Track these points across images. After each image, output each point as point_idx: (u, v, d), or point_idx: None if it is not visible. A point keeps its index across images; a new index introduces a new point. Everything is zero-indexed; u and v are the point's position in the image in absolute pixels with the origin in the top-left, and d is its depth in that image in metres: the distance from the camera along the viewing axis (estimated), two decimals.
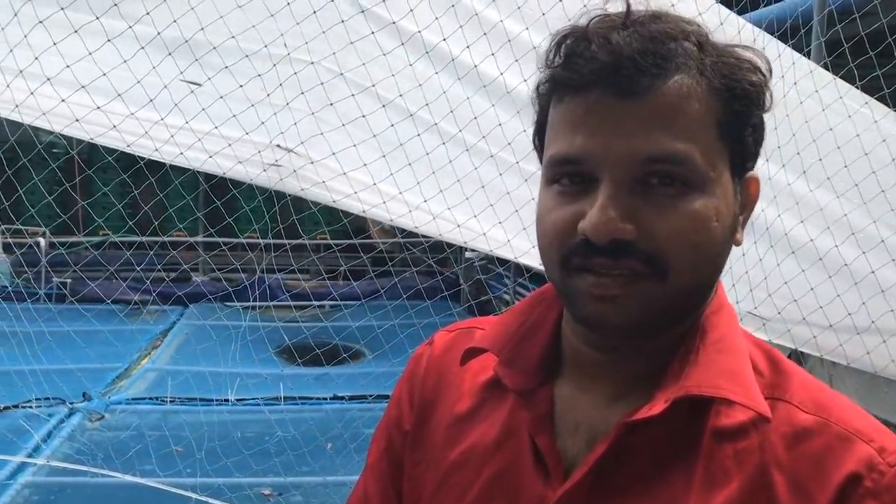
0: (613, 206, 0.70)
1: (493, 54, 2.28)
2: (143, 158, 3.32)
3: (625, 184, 0.70)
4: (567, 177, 0.73)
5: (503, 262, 7.27)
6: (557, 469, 0.76)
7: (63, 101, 2.69)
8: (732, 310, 0.81)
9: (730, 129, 0.73)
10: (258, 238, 8.31)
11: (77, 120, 2.85)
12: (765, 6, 3.00)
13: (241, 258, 8.14)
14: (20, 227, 9.02)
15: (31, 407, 5.29)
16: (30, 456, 4.55)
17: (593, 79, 0.70)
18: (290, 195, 3.41)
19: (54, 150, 9.83)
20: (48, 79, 2.38)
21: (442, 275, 7.09)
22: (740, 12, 2.78)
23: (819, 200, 2.66)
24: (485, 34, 2.27)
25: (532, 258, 3.10)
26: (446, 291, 7.42)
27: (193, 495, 3.83)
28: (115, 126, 2.78)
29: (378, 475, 0.92)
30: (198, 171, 3.76)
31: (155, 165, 3.69)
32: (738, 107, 0.73)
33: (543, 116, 0.79)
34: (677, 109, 0.70)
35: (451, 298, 8.34)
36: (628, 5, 0.72)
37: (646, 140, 0.69)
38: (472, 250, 7.82)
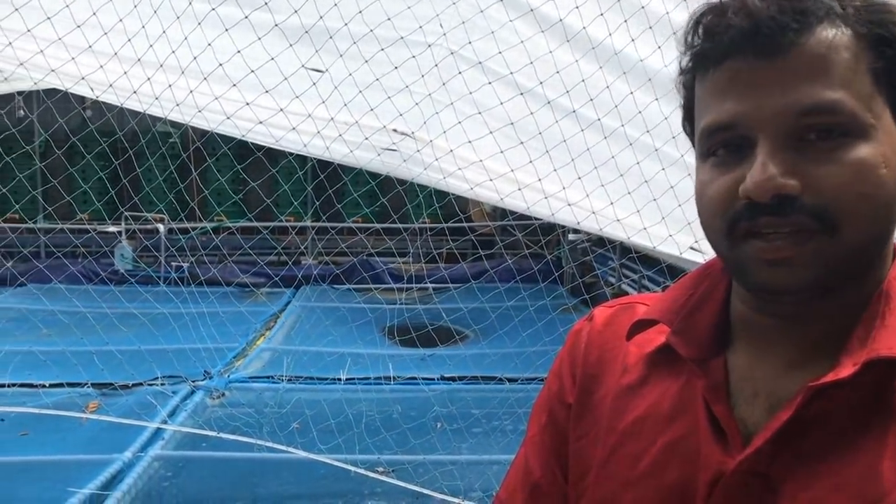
0: (774, 163, 0.69)
1: (633, 40, 2.24)
2: (260, 148, 3.44)
3: (783, 141, 0.69)
4: (722, 147, 0.73)
5: (608, 242, 7.20)
6: (736, 437, 0.75)
7: (191, 92, 2.82)
8: None
9: (886, 74, 0.71)
10: (362, 223, 8.46)
11: (200, 111, 2.98)
12: None
13: (347, 241, 8.33)
14: (142, 214, 9.48)
15: (157, 384, 5.58)
16: (157, 431, 4.80)
17: (734, 46, 0.70)
18: (399, 181, 3.47)
19: (170, 140, 10.26)
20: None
21: (545, 257, 7.06)
22: None
23: None
24: (625, 21, 2.23)
25: (644, 237, 3.06)
26: (554, 273, 7.39)
27: (331, 460, 3.95)
28: (228, 116, 2.89)
29: (540, 448, 0.92)
30: (307, 157, 3.86)
31: (266, 152, 3.81)
32: (891, 52, 0.71)
33: (690, 98, 0.78)
34: (826, 60, 0.69)
35: (554, 280, 8.28)
36: None
37: (797, 93, 0.69)
38: (577, 231, 7.75)
